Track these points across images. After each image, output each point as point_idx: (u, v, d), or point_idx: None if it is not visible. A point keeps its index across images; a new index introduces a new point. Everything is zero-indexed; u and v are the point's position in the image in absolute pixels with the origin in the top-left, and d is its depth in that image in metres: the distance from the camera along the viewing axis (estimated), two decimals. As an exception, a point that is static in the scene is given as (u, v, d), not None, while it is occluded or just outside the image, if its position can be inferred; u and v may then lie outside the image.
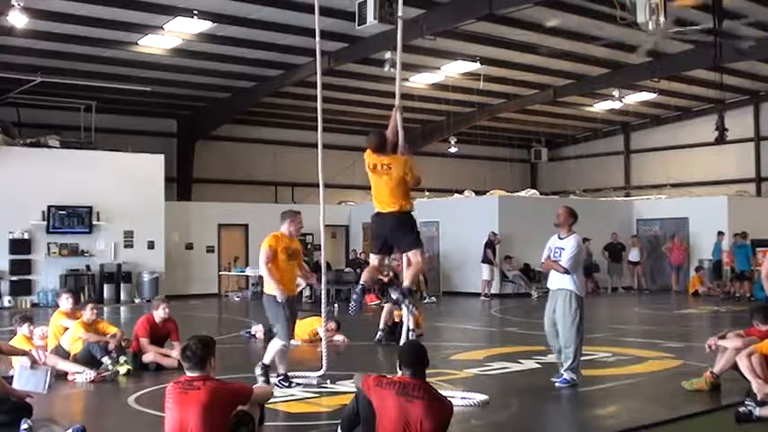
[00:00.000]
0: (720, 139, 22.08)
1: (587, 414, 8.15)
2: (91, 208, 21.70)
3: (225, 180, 27.53)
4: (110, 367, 9.71)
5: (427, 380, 5.69)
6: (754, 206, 25.84)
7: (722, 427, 7.32)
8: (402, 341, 8.47)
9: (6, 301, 20.46)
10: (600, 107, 28.91)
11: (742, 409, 7.16)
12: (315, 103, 9.97)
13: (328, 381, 8.94)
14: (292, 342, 9.25)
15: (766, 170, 29.01)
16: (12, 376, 8.34)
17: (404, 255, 8.52)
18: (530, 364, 10.40)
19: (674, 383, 8.87)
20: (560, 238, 9.03)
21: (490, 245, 22.13)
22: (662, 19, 14.27)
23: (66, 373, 9.54)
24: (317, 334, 9.44)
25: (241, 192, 26.82)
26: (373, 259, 8.44)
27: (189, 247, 24.57)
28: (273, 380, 8.72)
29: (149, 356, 10.24)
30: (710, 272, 23.28)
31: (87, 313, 10.30)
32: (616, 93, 25.94)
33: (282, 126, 28.01)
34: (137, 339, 10.40)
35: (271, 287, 8.66)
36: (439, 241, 23.71)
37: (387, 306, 13.29)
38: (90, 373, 9.46)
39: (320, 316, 9.94)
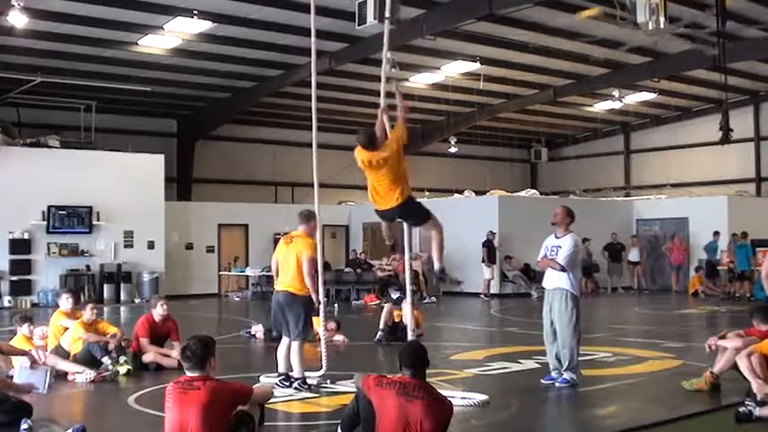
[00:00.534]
0: (725, 140, 22.00)
1: (587, 414, 8.15)
2: (91, 208, 21.70)
3: (225, 180, 27.53)
4: (110, 367, 9.71)
5: (427, 380, 5.69)
6: (754, 206, 25.84)
7: (722, 427, 7.32)
8: (409, 337, 8.56)
9: (6, 301, 20.46)
10: (600, 107, 28.91)
11: (742, 409, 7.16)
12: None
13: (328, 381, 8.94)
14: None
15: (766, 170, 29.01)
16: (12, 376, 8.35)
17: (421, 229, 8.47)
18: (530, 364, 10.39)
19: (674, 383, 8.87)
20: (557, 237, 9.09)
21: (488, 244, 22.14)
22: (662, 19, 14.28)
23: (66, 373, 9.53)
24: (317, 334, 9.42)
25: (241, 192, 26.82)
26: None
27: (189, 247, 24.57)
28: (274, 380, 8.73)
29: (149, 356, 10.23)
30: (704, 271, 23.22)
31: (87, 313, 10.30)
32: (616, 93, 25.95)
33: (282, 126, 28.00)
34: (137, 339, 10.40)
35: (305, 288, 8.65)
36: (439, 241, 23.65)
37: (387, 306, 13.29)
38: (90, 373, 9.46)
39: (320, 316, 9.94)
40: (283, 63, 21.83)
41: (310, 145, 9.40)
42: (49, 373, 8.13)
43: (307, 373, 8.84)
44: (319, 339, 9.28)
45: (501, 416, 7.83)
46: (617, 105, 27.36)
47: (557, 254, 8.93)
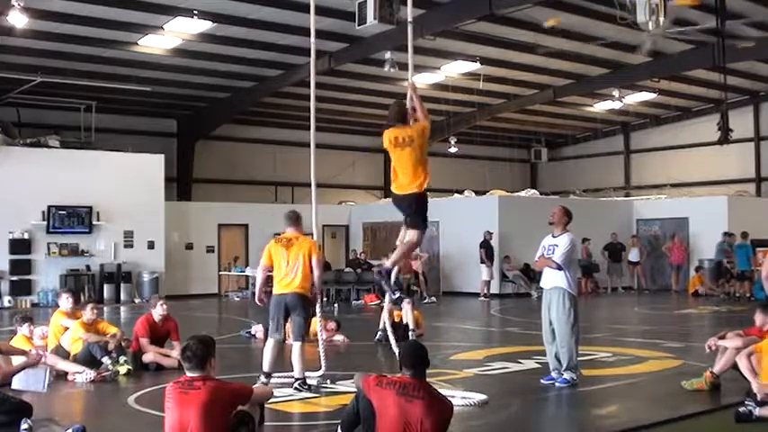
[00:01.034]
0: (724, 140, 21.98)
1: (587, 414, 8.15)
2: (91, 208, 21.69)
3: (225, 180, 27.55)
4: (110, 367, 9.70)
5: (427, 380, 5.70)
6: (755, 206, 25.83)
7: (722, 427, 7.32)
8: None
9: (6, 301, 20.45)
10: (600, 107, 28.92)
11: (742, 409, 7.16)
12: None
13: (328, 381, 8.94)
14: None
15: (766, 170, 29.02)
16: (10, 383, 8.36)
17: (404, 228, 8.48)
18: (530, 364, 10.39)
19: (674, 383, 8.87)
20: (554, 237, 9.12)
21: (485, 245, 22.12)
22: (662, 19, 14.27)
23: (67, 373, 9.53)
24: (317, 334, 9.41)
25: (241, 192, 26.82)
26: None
27: (189, 247, 24.56)
28: (275, 380, 8.72)
29: (149, 356, 10.23)
30: (711, 272, 23.22)
31: (87, 313, 10.29)
32: (616, 93, 25.96)
33: (282, 126, 28.00)
34: (137, 339, 10.39)
35: (307, 287, 8.64)
36: (439, 241, 23.70)
37: (386, 306, 13.26)
38: (90, 373, 9.45)
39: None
40: (283, 63, 21.84)
41: (310, 145, 9.41)
42: (47, 373, 8.14)
43: (307, 374, 8.83)
44: (318, 339, 9.28)
45: (501, 416, 7.82)
46: (617, 105, 27.37)
47: (553, 252, 8.96)
